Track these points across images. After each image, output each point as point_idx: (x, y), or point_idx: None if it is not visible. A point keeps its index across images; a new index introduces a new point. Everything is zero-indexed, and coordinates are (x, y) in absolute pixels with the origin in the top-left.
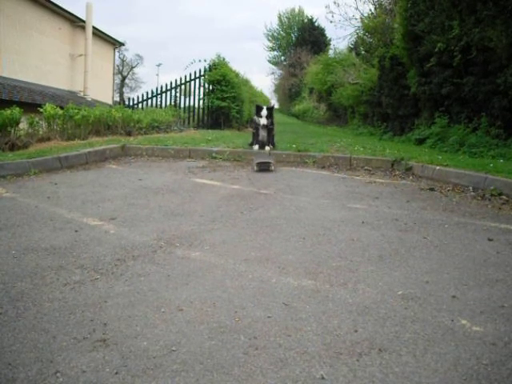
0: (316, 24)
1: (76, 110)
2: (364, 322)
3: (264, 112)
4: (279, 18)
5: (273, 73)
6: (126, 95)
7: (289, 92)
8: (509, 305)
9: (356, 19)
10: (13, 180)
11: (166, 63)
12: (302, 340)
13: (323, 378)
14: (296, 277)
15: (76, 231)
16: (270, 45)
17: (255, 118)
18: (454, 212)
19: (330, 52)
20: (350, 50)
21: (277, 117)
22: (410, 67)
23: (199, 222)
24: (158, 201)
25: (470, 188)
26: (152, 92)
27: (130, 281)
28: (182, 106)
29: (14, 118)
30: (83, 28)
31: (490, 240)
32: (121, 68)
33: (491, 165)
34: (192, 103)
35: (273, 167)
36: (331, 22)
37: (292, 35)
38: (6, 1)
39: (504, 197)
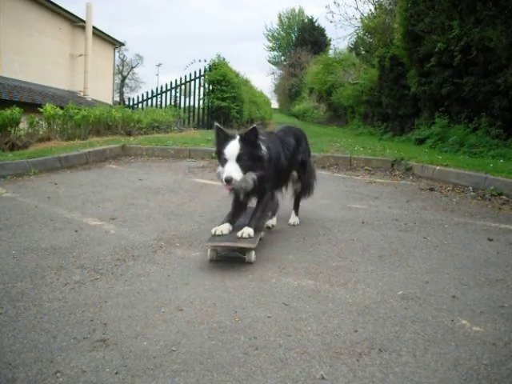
0: (316, 24)
1: (76, 110)
2: (364, 322)
3: (231, 150)
4: (279, 17)
5: (273, 73)
6: (126, 95)
7: (289, 92)
8: (509, 305)
9: (356, 19)
10: (13, 180)
11: (165, 63)
12: (302, 340)
13: (323, 378)
14: (296, 277)
15: (76, 231)
16: (270, 45)
17: (219, 169)
18: (454, 212)
19: (330, 52)
20: (350, 50)
21: (277, 117)
22: (410, 67)
23: (199, 221)
24: (158, 201)
25: (470, 188)
26: (152, 92)
27: (130, 281)
28: (182, 106)
29: (14, 118)
30: (83, 28)
31: (490, 240)
32: (121, 68)
33: (491, 165)
34: (192, 103)
35: (252, 256)
36: (331, 21)
37: (292, 35)
38: (6, 1)
39: (504, 197)
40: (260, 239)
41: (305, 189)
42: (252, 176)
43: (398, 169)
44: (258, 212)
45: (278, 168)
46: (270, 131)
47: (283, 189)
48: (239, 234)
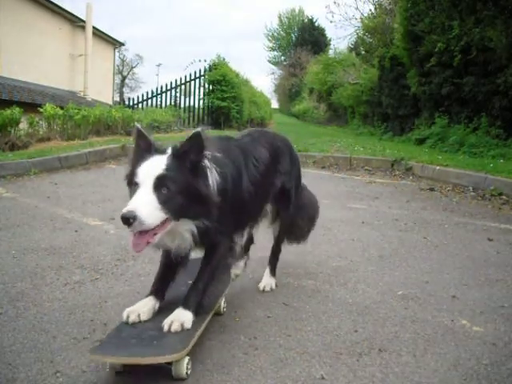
0: (316, 24)
1: (76, 110)
2: (364, 322)
3: (148, 168)
4: (279, 17)
5: (273, 73)
6: (126, 95)
7: (289, 92)
8: (509, 305)
9: (356, 19)
10: (13, 180)
11: (166, 63)
12: (301, 340)
13: (323, 378)
14: (296, 277)
15: (76, 231)
16: (270, 45)
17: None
18: (454, 212)
19: (330, 52)
20: (350, 50)
21: (277, 117)
22: (410, 67)
23: None
24: None
25: (470, 188)
26: (152, 92)
27: (130, 281)
28: (182, 105)
29: (14, 118)
30: (83, 28)
31: (490, 240)
32: (121, 68)
33: (491, 165)
34: (192, 103)
35: (183, 369)
36: (331, 22)
37: (292, 35)
38: (6, 1)
39: (504, 197)
40: (220, 314)
41: (285, 231)
42: (190, 227)
43: (398, 169)
44: (204, 276)
45: (239, 198)
46: (226, 136)
47: (251, 227)
48: (166, 324)
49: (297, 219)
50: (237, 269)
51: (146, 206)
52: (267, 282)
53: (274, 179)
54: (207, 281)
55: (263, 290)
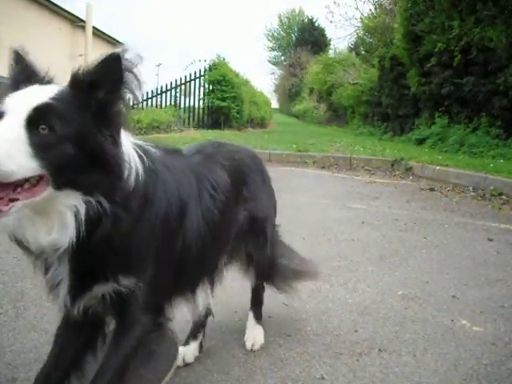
0: (316, 24)
1: None
2: (364, 322)
3: (24, 96)
4: (279, 17)
5: (273, 73)
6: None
7: (289, 92)
8: (509, 305)
9: (356, 19)
10: None
11: (166, 63)
12: (301, 340)
13: (323, 377)
14: None
15: None
16: (270, 45)
17: None
18: (454, 212)
19: (330, 52)
20: (350, 50)
21: (277, 117)
22: (410, 67)
23: None
24: None
25: (470, 188)
26: (152, 92)
27: None
28: (182, 106)
29: None
30: (83, 28)
31: (490, 240)
32: None
33: (491, 165)
34: (192, 103)
35: None
36: (331, 22)
37: (292, 35)
38: (5, 1)
39: (504, 197)
40: None
41: (264, 277)
42: (75, 203)
43: (398, 169)
44: (106, 372)
45: (180, 243)
46: (172, 148)
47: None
48: None
49: (276, 260)
50: (187, 354)
51: (5, 142)
52: (254, 334)
53: (239, 211)
54: (113, 375)
55: (251, 349)
